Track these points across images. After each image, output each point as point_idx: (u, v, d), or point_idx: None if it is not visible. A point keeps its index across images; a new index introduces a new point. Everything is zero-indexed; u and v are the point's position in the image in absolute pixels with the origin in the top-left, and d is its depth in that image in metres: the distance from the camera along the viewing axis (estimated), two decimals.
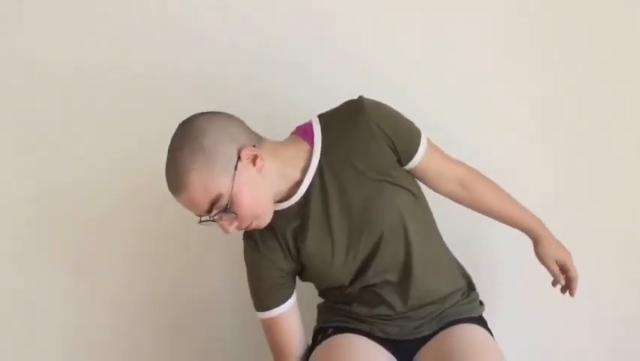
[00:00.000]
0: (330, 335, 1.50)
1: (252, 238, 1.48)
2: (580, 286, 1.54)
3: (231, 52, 1.82)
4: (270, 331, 1.50)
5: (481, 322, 1.53)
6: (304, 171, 1.44)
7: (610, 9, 1.76)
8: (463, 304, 1.53)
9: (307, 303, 1.60)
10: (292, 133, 1.49)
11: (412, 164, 1.47)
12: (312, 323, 1.60)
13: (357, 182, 1.42)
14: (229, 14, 1.81)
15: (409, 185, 1.47)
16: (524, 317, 1.82)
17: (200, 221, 1.38)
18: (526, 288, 1.81)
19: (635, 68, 1.78)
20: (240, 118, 1.42)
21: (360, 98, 1.45)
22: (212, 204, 1.34)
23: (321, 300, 1.62)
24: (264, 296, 1.49)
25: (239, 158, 1.35)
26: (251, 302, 1.52)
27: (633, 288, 1.83)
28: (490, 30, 1.80)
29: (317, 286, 1.58)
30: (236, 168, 1.35)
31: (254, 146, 1.38)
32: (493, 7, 1.79)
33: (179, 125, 1.38)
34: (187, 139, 1.34)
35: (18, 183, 1.90)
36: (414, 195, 1.47)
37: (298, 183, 1.44)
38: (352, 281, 1.47)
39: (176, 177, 1.34)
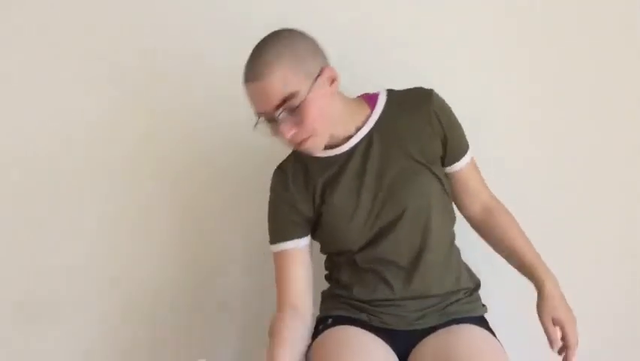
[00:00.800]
0: (329, 326, 1.51)
1: (284, 172, 1.54)
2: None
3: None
4: (278, 270, 1.53)
5: (483, 323, 1.53)
6: (357, 129, 1.50)
7: (609, 9, 1.77)
8: (465, 303, 1.53)
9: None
10: (358, 96, 1.55)
11: (453, 168, 1.54)
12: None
13: (400, 157, 1.48)
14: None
15: (445, 183, 1.53)
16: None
17: (257, 123, 1.41)
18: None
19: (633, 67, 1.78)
20: None
21: (432, 90, 1.51)
22: (285, 100, 1.36)
23: (325, 286, 1.63)
24: (278, 228, 1.53)
25: (320, 74, 1.40)
26: None
27: (633, 287, 1.84)
28: (490, 28, 1.81)
29: (325, 249, 1.60)
30: (315, 80, 1.39)
31: (334, 81, 1.44)
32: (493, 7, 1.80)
33: (273, 31, 1.42)
34: (279, 38, 1.39)
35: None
36: (446, 193, 1.53)
37: (347, 138, 1.49)
38: (362, 249, 1.50)
39: (259, 64, 1.36)
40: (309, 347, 1.50)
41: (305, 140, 1.42)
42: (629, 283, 1.84)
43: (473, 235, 1.63)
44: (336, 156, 1.51)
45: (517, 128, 1.82)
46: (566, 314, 1.47)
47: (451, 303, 1.51)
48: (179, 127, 1.86)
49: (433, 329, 1.49)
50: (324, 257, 1.64)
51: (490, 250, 1.61)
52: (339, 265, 1.57)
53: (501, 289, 1.71)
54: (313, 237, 1.57)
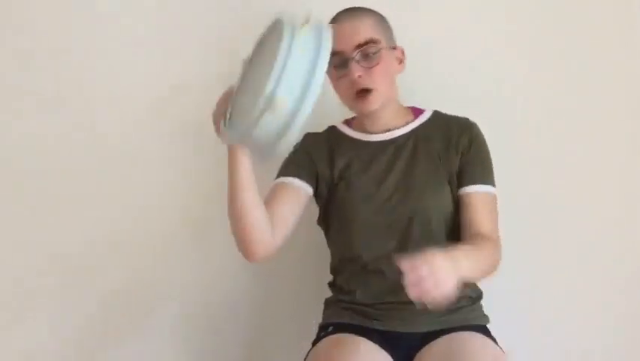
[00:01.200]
0: (330, 333, 1.51)
1: (311, 135, 1.61)
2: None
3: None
4: (267, 197, 1.51)
5: (486, 332, 1.53)
6: (397, 128, 1.59)
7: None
8: (468, 311, 1.53)
9: (313, 297, 1.66)
10: (406, 106, 1.64)
11: (463, 190, 1.54)
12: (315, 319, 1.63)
13: (426, 166, 1.54)
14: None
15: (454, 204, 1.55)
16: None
17: (336, 65, 1.49)
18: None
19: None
20: None
21: (475, 123, 1.59)
22: (368, 42, 1.49)
23: (328, 294, 1.63)
24: (285, 165, 1.58)
25: (394, 48, 1.57)
26: None
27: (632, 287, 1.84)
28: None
29: (332, 240, 1.62)
30: (391, 49, 1.55)
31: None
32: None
33: None
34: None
35: None
36: (455, 213, 1.54)
37: (386, 130, 1.58)
38: (369, 243, 1.52)
39: (357, 9, 1.53)
40: (308, 352, 1.50)
41: (368, 89, 1.50)
42: (628, 283, 1.84)
43: None
44: (367, 142, 1.59)
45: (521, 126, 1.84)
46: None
47: (455, 309, 1.50)
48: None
49: (436, 335, 1.48)
50: (328, 263, 1.65)
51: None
52: (343, 269, 1.59)
53: (503, 302, 1.69)
54: (321, 221, 1.62)
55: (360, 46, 1.49)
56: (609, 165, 1.83)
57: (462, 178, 1.54)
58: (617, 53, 1.82)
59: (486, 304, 1.60)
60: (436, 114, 1.62)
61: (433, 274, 1.16)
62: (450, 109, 1.63)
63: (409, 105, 1.64)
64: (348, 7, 1.55)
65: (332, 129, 1.65)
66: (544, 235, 1.81)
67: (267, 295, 1.86)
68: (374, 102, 1.52)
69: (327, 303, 1.63)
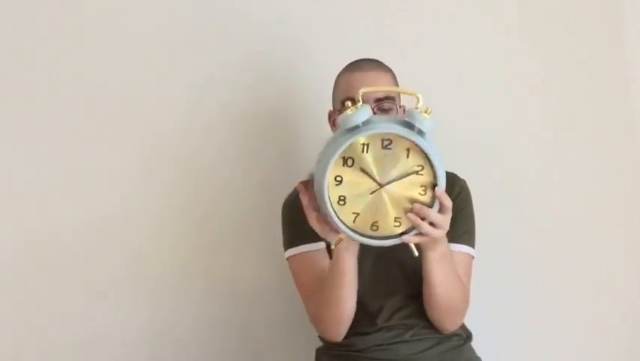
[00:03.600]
0: None
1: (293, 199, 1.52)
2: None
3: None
4: (298, 275, 1.54)
5: None
6: None
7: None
8: (460, 352, 1.53)
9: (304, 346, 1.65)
10: None
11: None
12: None
13: None
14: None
15: None
16: None
17: (353, 102, 1.24)
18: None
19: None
20: None
21: (465, 181, 1.56)
22: (387, 98, 1.48)
23: (319, 343, 1.61)
24: (293, 233, 1.54)
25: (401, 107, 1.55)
26: None
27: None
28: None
29: None
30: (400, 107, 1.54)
31: None
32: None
33: None
34: None
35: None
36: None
37: None
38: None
39: (378, 63, 1.53)
40: None
41: None
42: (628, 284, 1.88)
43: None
44: None
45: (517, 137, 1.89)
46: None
47: (446, 350, 1.50)
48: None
49: None
50: None
51: (484, 306, 1.63)
52: None
53: (495, 343, 1.71)
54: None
55: (379, 100, 1.48)
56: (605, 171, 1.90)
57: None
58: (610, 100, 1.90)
59: (479, 346, 1.59)
60: None
61: (434, 221, 1.23)
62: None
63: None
64: (369, 58, 1.54)
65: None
66: (535, 277, 1.85)
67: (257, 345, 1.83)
68: None
69: (318, 354, 1.62)
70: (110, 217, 1.76)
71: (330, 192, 1.22)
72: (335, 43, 1.84)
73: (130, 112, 1.77)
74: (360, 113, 1.19)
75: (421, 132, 1.20)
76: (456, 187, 1.52)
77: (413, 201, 1.23)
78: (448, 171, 1.46)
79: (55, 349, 1.72)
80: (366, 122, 1.20)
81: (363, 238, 1.25)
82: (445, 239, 1.34)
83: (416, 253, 1.27)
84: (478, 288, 1.65)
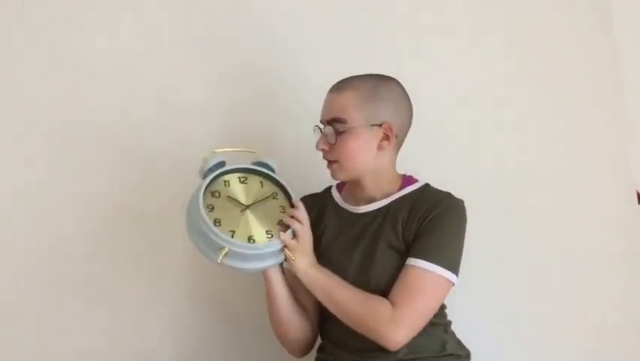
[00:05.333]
0: None
1: (309, 200, 1.62)
2: None
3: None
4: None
5: None
6: (377, 200, 1.56)
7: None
8: None
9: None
10: (404, 174, 1.61)
11: (408, 260, 1.48)
12: None
13: (390, 240, 1.51)
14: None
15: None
16: None
17: (316, 125, 1.57)
18: None
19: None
20: None
21: (460, 201, 1.53)
22: (334, 120, 1.50)
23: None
24: None
25: (380, 125, 1.50)
26: None
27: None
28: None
29: None
30: (372, 126, 1.50)
31: (396, 136, 1.53)
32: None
33: (387, 75, 1.56)
34: (380, 79, 1.54)
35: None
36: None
37: (369, 201, 1.57)
38: None
39: (345, 83, 1.53)
40: None
41: (330, 161, 1.54)
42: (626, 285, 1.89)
43: (465, 309, 1.64)
44: (347, 211, 1.60)
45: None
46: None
47: None
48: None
49: None
50: None
51: (483, 322, 1.68)
52: (322, 332, 1.61)
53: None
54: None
55: (329, 122, 1.52)
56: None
57: (410, 248, 1.48)
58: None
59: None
60: (423, 188, 1.57)
61: (296, 242, 1.47)
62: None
63: (409, 174, 1.61)
64: (347, 77, 1.54)
65: (327, 191, 1.67)
66: (532, 291, 1.85)
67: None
68: (338, 173, 1.55)
69: None
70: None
71: (207, 216, 1.43)
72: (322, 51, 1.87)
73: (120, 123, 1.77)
74: (210, 160, 1.51)
75: (270, 168, 1.55)
76: (439, 207, 1.49)
77: (276, 217, 1.50)
78: (444, 190, 1.53)
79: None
80: (219, 165, 1.51)
81: (244, 246, 1.43)
82: (317, 267, 1.49)
83: (293, 258, 1.47)
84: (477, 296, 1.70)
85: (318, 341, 1.62)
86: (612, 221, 1.95)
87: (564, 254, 1.88)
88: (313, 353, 1.62)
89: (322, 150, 1.53)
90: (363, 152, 1.51)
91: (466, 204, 1.52)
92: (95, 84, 1.77)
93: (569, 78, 1.96)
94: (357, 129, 1.49)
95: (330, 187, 1.68)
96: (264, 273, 1.51)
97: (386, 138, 1.51)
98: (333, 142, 1.51)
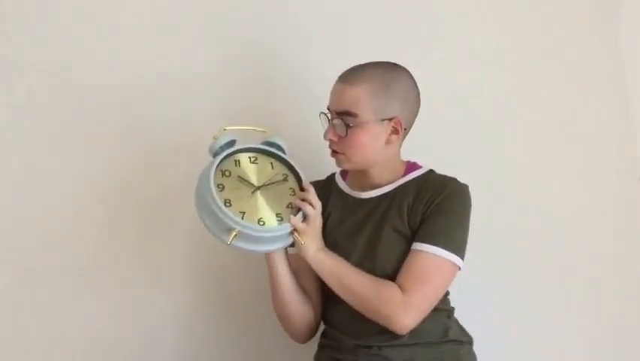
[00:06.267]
0: None
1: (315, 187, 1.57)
2: None
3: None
4: None
5: None
6: (382, 186, 1.57)
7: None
8: (457, 357, 1.53)
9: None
10: (407, 160, 1.62)
11: (414, 245, 1.49)
12: None
13: (396, 225, 1.51)
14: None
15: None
16: None
17: (322, 112, 1.55)
18: None
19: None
20: None
21: (465, 186, 1.53)
22: (345, 114, 1.49)
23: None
24: None
25: (391, 119, 1.48)
26: None
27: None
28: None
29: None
30: (382, 121, 1.48)
31: (405, 129, 1.53)
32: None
33: (395, 63, 1.55)
34: (389, 70, 1.52)
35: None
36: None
37: (374, 187, 1.57)
38: None
39: (356, 74, 1.50)
40: None
41: (337, 152, 1.53)
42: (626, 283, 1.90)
43: (470, 296, 1.65)
44: (351, 197, 1.60)
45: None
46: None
47: (441, 354, 1.50)
48: None
49: None
50: None
51: (487, 310, 1.69)
52: (329, 310, 1.60)
53: (497, 348, 1.72)
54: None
55: (339, 114, 1.50)
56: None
57: (416, 233, 1.49)
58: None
59: (480, 350, 1.59)
60: (427, 173, 1.58)
61: (306, 225, 1.46)
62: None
63: (414, 160, 1.62)
64: (356, 66, 1.52)
65: (330, 178, 1.67)
66: (542, 282, 1.87)
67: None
68: (344, 164, 1.55)
69: (318, 348, 1.63)
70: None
71: (218, 196, 1.41)
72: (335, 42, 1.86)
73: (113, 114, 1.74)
74: (220, 139, 1.48)
75: (281, 149, 1.53)
76: (444, 191, 1.50)
77: (286, 199, 1.49)
78: (449, 175, 1.53)
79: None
80: (229, 144, 1.49)
81: (255, 228, 1.42)
82: (327, 252, 1.49)
83: (302, 242, 1.46)
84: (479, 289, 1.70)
85: (321, 326, 1.62)
86: (616, 212, 1.97)
87: (569, 243, 1.89)
88: (316, 339, 1.62)
89: (330, 139, 1.53)
90: (371, 146, 1.51)
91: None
92: (97, 60, 1.74)
93: (572, 72, 1.96)
94: (368, 124, 1.49)
95: (333, 174, 1.68)
96: (267, 258, 1.51)
97: (395, 132, 1.52)
98: (343, 135, 1.49)
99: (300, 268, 1.55)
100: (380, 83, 1.48)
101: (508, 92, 1.92)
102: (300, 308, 1.55)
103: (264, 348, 1.79)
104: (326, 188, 1.64)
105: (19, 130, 1.68)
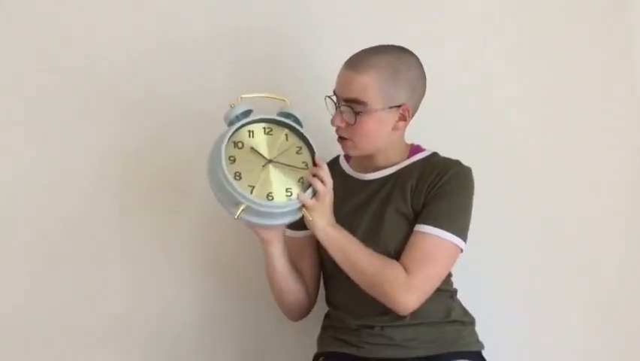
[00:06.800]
0: None
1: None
2: None
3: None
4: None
5: (480, 359, 1.54)
6: (386, 168, 1.58)
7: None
8: (459, 337, 1.52)
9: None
10: (411, 143, 1.62)
11: (417, 226, 1.49)
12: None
13: (399, 207, 1.51)
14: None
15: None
16: None
17: (328, 96, 1.54)
18: None
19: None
20: None
21: (468, 168, 1.53)
22: (354, 101, 1.48)
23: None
24: None
25: (399, 106, 1.49)
26: None
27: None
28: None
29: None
30: (390, 108, 1.49)
31: (412, 116, 1.54)
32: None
33: (402, 46, 1.53)
34: (398, 55, 1.51)
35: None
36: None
37: (377, 169, 1.58)
38: None
39: (364, 59, 1.49)
40: None
41: (347, 140, 1.53)
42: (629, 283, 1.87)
43: (473, 277, 1.65)
44: (353, 178, 1.61)
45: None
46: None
47: (444, 334, 1.51)
48: None
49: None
50: None
51: (491, 291, 1.71)
52: (328, 296, 1.62)
53: (499, 328, 1.71)
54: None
55: (346, 101, 1.49)
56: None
57: (419, 215, 1.50)
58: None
59: (483, 331, 1.59)
60: (431, 156, 1.58)
61: (316, 201, 1.43)
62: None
63: (417, 143, 1.62)
64: (364, 51, 1.51)
65: (334, 160, 1.68)
66: (543, 263, 1.85)
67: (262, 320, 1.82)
68: (350, 150, 1.55)
69: (318, 339, 1.64)
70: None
71: (228, 169, 1.39)
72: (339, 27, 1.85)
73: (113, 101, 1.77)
74: (236, 108, 1.45)
75: (297, 121, 1.49)
76: (447, 173, 1.50)
77: (298, 173, 1.46)
78: (453, 157, 1.53)
79: None
80: (245, 114, 1.46)
81: (263, 204, 1.41)
82: (335, 225, 1.47)
83: (310, 219, 1.44)
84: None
85: (326, 308, 1.64)
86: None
87: (575, 227, 1.88)
88: (319, 321, 1.64)
89: (338, 125, 1.52)
90: (379, 133, 1.52)
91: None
92: (105, 35, 1.76)
93: (582, 65, 1.92)
94: (376, 112, 1.48)
95: (337, 156, 1.69)
96: (263, 246, 1.51)
97: (403, 118, 1.52)
98: (352, 123, 1.49)
99: (298, 249, 1.59)
100: (389, 71, 1.48)
101: (519, 90, 1.90)
102: (293, 290, 1.57)
103: (267, 329, 1.81)
104: (330, 169, 1.63)
105: (32, 108, 1.73)
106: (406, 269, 1.43)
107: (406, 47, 1.54)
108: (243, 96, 1.46)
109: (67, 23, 1.75)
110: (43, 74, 1.74)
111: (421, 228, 1.47)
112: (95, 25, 1.76)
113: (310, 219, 1.44)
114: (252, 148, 1.46)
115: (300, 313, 1.62)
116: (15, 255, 1.72)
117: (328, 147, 1.60)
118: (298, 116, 1.50)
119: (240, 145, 1.45)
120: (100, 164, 1.75)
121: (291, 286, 1.56)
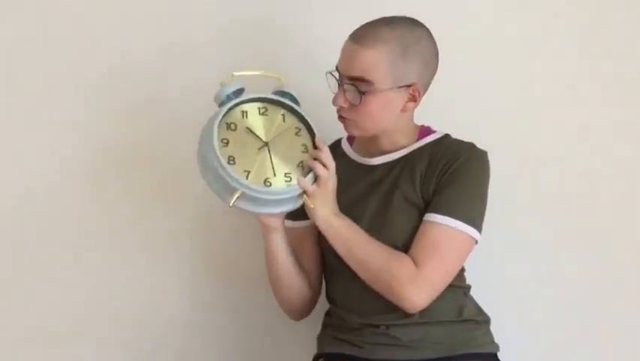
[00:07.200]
0: None
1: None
2: None
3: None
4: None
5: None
6: (393, 152, 1.50)
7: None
8: (472, 338, 1.44)
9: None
10: (421, 125, 1.55)
11: (426, 216, 1.42)
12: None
13: (408, 193, 1.44)
14: None
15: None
16: None
17: (329, 72, 1.44)
18: None
19: None
20: None
21: (483, 152, 1.46)
22: (358, 79, 1.39)
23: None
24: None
25: (409, 86, 1.41)
26: None
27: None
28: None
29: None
30: (399, 88, 1.40)
31: (422, 95, 1.45)
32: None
33: (415, 19, 1.44)
34: (409, 28, 1.41)
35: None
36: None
37: (383, 153, 1.50)
38: None
39: (372, 33, 1.39)
40: None
41: (349, 119, 1.44)
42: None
43: (488, 274, 1.62)
44: (356, 162, 1.54)
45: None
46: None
47: (455, 334, 1.43)
48: None
49: None
50: None
51: (503, 289, 1.69)
52: (329, 292, 1.56)
53: (515, 328, 1.68)
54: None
55: (350, 79, 1.40)
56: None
57: (430, 203, 1.42)
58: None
59: (499, 333, 1.52)
60: (442, 138, 1.50)
61: (317, 187, 1.36)
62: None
63: (427, 124, 1.54)
64: (372, 24, 1.41)
65: (336, 143, 1.61)
66: (567, 257, 1.77)
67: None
68: (352, 129, 1.47)
69: (318, 338, 1.58)
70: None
71: (220, 153, 1.31)
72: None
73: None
74: (227, 87, 1.38)
75: (294, 100, 1.42)
76: (460, 157, 1.42)
77: (297, 157, 1.39)
78: (467, 141, 1.49)
79: None
80: (237, 93, 1.38)
81: (260, 190, 1.33)
82: (339, 215, 1.40)
83: (312, 206, 1.37)
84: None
85: (326, 305, 1.57)
86: None
87: (601, 219, 1.78)
88: (318, 319, 1.58)
89: (340, 105, 1.43)
90: (386, 114, 1.43)
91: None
92: (104, 33, 1.76)
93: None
94: (384, 92, 1.39)
95: (340, 139, 1.62)
96: (265, 234, 1.44)
97: (413, 99, 1.44)
98: (357, 103, 1.40)
99: (298, 241, 1.52)
100: (399, 46, 1.38)
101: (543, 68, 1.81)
102: (295, 284, 1.50)
103: (264, 326, 1.77)
104: (331, 153, 1.54)
105: (32, 108, 1.74)
106: (415, 262, 1.36)
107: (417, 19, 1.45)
108: (234, 74, 1.39)
109: (66, 23, 1.74)
110: (42, 74, 1.73)
111: (431, 217, 1.39)
112: (94, 25, 1.75)
113: (312, 207, 1.37)
114: (248, 129, 1.37)
115: (302, 311, 1.55)
116: (15, 255, 1.75)
117: (329, 128, 1.53)
118: (294, 94, 1.43)
119: (232, 127, 1.37)
120: (99, 164, 1.75)
121: (294, 281, 1.49)
